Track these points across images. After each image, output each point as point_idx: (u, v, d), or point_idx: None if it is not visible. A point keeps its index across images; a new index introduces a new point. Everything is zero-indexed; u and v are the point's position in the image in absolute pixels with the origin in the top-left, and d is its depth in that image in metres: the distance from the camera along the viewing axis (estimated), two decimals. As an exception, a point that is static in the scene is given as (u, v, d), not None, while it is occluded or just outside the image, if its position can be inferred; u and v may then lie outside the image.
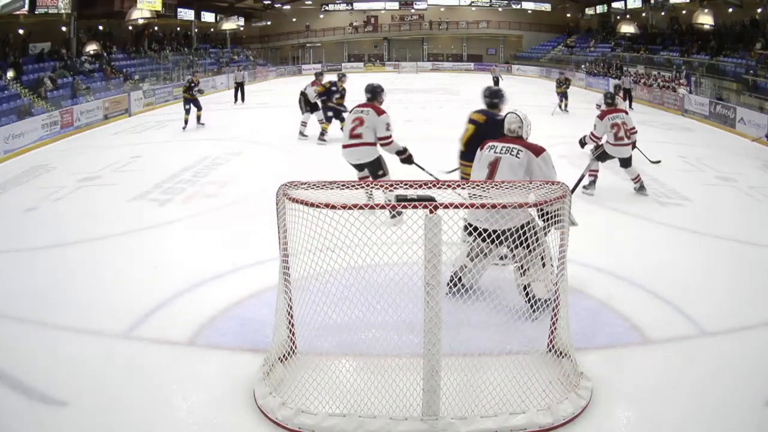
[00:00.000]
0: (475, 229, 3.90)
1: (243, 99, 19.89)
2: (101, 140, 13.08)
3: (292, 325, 3.49)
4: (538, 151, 4.24)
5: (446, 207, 2.88)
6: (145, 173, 9.01)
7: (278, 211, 3.34)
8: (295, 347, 3.52)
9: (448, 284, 3.75)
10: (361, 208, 2.98)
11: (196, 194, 7.85)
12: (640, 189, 7.61)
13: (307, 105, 12.05)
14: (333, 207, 2.98)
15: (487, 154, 4.33)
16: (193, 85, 13.83)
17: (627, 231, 6.33)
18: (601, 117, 7.61)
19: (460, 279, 3.74)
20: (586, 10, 36.24)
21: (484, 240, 3.72)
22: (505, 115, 4.53)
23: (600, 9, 34.58)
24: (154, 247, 5.92)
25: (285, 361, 3.48)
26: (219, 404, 3.31)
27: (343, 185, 3.41)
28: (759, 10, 22.17)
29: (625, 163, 7.56)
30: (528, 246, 3.78)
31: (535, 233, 3.76)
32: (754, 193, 8.06)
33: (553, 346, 3.57)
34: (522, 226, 3.57)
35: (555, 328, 3.54)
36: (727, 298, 4.64)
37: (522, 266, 4.02)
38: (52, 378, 3.56)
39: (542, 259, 4.01)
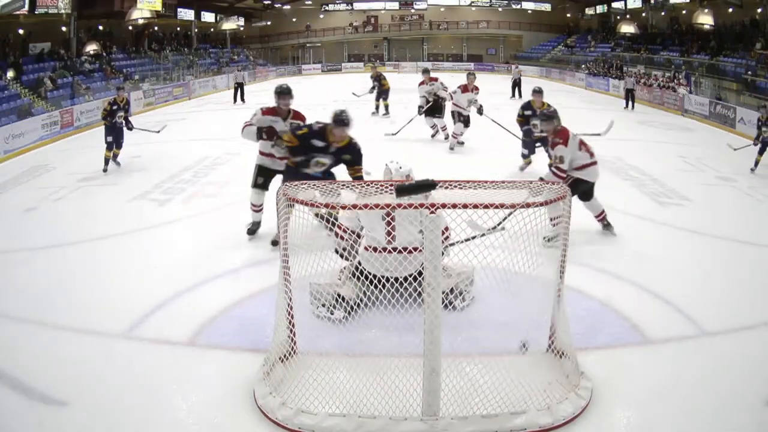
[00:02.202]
0: (369, 274, 3.94)
1: (243, 99, 19.87)
2: (101, 140, 13.03)
3: (293, 325, 3.50)
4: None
5: (446, 207, 2.88)
6: (145, 173, 9.01)
7: (278, 211, 3.34)
8: (296, 347, 3.52)
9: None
10: (360, 208, 2.98)
11: (196, 194, 7.85)
12: (607, 227, 5.98)
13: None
14: (332, 207, 2.98)
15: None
16: (115, 107, 9.56)
17: (627, 231, 6.31)
18: (564, 142, 5.56)
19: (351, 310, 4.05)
20: (586, 10, 36.22)
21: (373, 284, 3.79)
22: (387, 164, 4.52)
23: (600, 9, 34.56)
24: (154, 247, 5.91)
25: (285, 361, 3.48)
26: (219, 404, 3.31)
27: (342, 185, 3.42)
28: (759, 10, 22.16)
29: (588, 193, 5.80)
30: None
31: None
32: (754, 193, 8.06)
33: (553, 347, 3.56)
34: (419, 273, 3.38)
35: (555, 329, 3.53)
36: (727, 298, 4.64)
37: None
38: (52, 378, 3.56)
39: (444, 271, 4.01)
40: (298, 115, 5.83)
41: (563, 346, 3.52)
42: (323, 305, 4.14)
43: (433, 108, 11.24)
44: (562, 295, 3.48)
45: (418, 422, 2.95)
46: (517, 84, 20.15)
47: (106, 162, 9.36)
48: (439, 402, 2.98)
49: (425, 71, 12.26)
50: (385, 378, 3.13)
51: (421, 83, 11.48)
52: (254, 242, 5.64)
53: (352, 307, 4.09)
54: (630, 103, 17.99)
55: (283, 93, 5.73)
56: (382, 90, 15.17)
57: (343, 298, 4.11)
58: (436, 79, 11.46)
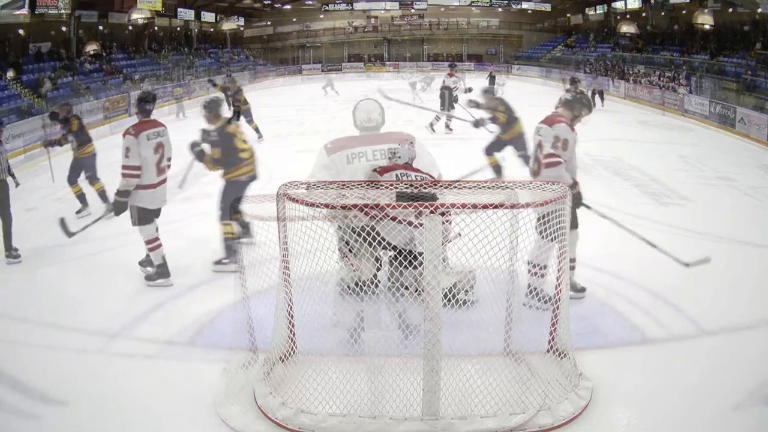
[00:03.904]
0: (388, 246, 3.28)
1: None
2: (100, 140, 13.04)
3: (293, 325, 3.50)
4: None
5: (448, 207, 2.88)
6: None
7: (278, 211, 3.33)
8: (296, 347, 3.52)
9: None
10: (360, 208, 2.98)
11: (196, 194, 7.84)
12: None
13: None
14: (332, 207, 2.98)
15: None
16: (62, 134, 7.98)
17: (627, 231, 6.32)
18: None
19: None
20: (586, 10, 36.21)
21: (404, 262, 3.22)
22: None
23: (600, 9, 34.54)
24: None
25: (285, 360, 3.49)
26: (220, 404, 3.30)
27: (342, 185, 3.40)
28: (759, 10, 22.14)
29: None
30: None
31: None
32: (753, 193, 8.06)
33: (553, 347, 3.56)
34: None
35: (555, 329, 3.53)
36: (727, 298, 4.64)
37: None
38: (52, 378, 3.58)
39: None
40: None
41: (563, 347, 3.52)
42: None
43: (449, 100, 12.79)
44: (563, 296, 3.47)
45: (418, 422, 2.95)
46: (493, 79, 21.64)
47: (80, 199, 7.70)
48: (439, 402, 2.98)
49: (453, 65, 14.22)
50: (385, 378, 3.13)
51: (451, 74, 13.14)
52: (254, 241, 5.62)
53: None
54: (599, 101, 18.15)
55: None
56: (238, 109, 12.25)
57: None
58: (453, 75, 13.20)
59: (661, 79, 20.67)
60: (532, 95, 21.17)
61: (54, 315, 4.40)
